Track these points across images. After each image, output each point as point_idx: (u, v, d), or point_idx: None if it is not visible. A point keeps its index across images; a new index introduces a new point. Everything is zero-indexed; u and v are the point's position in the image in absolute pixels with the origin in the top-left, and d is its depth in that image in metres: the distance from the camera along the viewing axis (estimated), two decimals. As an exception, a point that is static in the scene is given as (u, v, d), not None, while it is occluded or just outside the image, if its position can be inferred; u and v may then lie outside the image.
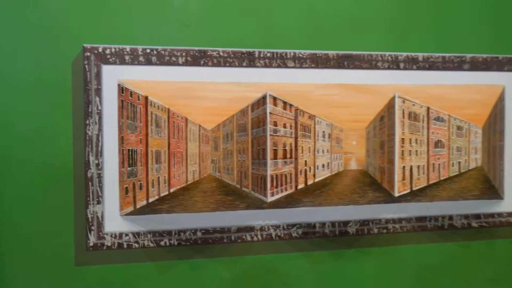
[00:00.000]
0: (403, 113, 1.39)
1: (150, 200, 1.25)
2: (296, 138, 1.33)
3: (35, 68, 1.22)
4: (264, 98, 1.29)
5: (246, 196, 1.31)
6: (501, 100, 1.46)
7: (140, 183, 1.24)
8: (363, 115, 1.37)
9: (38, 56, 1.23)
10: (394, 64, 1.39)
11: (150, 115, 1.23)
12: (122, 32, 1.27)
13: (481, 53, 1.47)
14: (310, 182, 1.36)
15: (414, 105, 1.40)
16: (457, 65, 1.44)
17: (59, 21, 1.23)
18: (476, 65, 1.45)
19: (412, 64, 1.41)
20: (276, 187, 1.32)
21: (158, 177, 1.25)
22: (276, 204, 1.32)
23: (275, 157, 1.31)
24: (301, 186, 1.35)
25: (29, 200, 1.24)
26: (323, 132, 1.37)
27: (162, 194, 1.25)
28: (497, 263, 1.56)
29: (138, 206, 1.24)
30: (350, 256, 1.44)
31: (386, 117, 1.39)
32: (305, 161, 1.35)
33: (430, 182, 1.43)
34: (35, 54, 1.22)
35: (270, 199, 1.30)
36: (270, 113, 1.28)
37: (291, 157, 1.33)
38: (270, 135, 1.29)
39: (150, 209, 1.25)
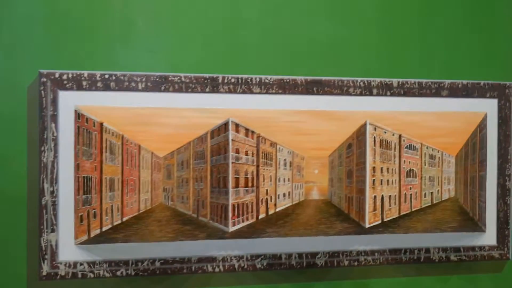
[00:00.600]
0: (374, 140, 1.35)
1: (104, 229, 1.22)
2: (257, 166, 1.30)
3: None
4: (226, 124, 1.26)
5: (205, 225, 1.27)
6: (481, 128, 1.41)
7: (94, 211, 1.22)
8: (328, 142, 1.33)
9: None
10: (367, 90, 1.36)
11: (105, 141, 1.21)
12: (80, 57, 1.25)
13: (461, 79, 1.43)
14: (271, 211, 1.32)
15: (385, 132, 1.36)
16: (435, 91, 1.39)
17: (14, 46, 1.22)
18: (455, 92, 1.40)
19: (386, 90, 1.37)
20: (238, 216, 1.29)
21: (112, 205, 1.23)
22: (238, 234, 1.29)
23: (236, 185, 1.28)
24: (262, 215, 1.31)
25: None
26: (285, 160, 1.33)
27: (115, 223, 1.23)
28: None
29: (92, 234, 1.22)
30: (319, 289, 1.43)
31: (355, 144, 1.35)
32: (266, 190, 1.32)
33: (402, 213, 1.38)
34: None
35: (231, 228, 1.28)
36: (232, 140, 1.26)
37: (252, 186, 1.30)
38: (232, 162, 1.27)
39: (104, 238, 1.23)
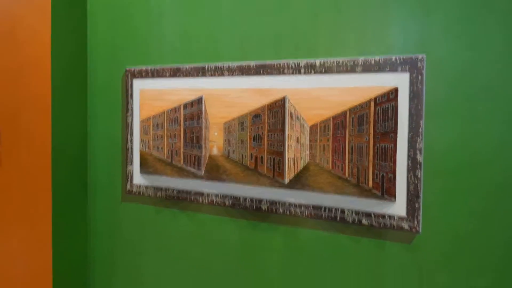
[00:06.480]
0: (289, 112, 2.08)
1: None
2: (205, 128, 2.25)
3: (108, 80, 2.71)
4: (199, 99, 2.28)
5: (181, 168, 2.34)
6: (379, 102, 1.90)
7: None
8: (233, 113, 2.19)
9: (109, 74, 2.70)
10: (297, 70, 2.07)
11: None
12: (145, 57, 2.58)
13: (378, 55, 1.94)
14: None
15: (291, 106, 2.04)
16: (350, 68, 1.97)
17: (114, 55, 2.67)
18: (368, 67, 1.93)
19: (311, 69, 2.04)
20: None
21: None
22: (208, 177, 2.32)
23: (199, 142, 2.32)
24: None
25: (103, 161, 2.76)
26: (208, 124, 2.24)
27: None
28: (384, 264, 2.01)
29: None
30: (263, 228, 2.23)
31: (265, 115, 2.08)
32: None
33: (296, 173, 2.03)
34: (109, 73, 2.71)
35: (203, 172, 2.32)
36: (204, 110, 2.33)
37: (204, 143, 2.29)
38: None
39: (143, 170, 2.50)
